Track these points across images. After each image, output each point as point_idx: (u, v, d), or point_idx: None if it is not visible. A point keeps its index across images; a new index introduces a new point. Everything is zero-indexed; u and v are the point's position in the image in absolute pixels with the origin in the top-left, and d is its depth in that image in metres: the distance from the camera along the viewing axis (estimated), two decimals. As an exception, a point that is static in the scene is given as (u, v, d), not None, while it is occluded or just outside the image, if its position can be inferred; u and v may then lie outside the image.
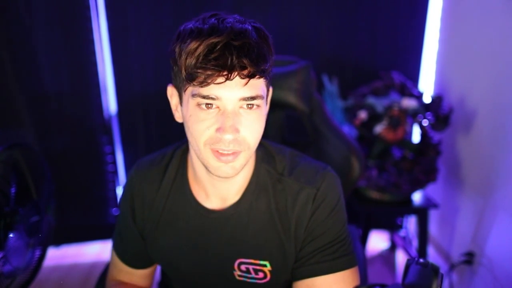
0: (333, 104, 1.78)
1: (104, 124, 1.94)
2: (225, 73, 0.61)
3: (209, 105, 0.65)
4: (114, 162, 2.02)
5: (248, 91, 0.64)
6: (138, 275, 0.90)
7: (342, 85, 1.86)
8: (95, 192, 2.05)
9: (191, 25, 0.65)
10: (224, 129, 0.65)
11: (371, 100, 1.68)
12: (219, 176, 0.71)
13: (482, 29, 1.61)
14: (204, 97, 0.64)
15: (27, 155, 0.95)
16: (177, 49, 0.65)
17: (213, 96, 0.64)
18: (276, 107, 1.20)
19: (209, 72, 0.61)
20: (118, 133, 1.99)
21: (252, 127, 0.67)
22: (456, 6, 1.81)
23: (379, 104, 1.67)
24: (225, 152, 0.67)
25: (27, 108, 1.80)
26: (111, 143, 1.99)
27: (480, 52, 1.63)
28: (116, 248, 0.89)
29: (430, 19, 1.94)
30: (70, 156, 1.95)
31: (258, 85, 0.66)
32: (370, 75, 1.90)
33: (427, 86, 2.04)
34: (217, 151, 0.67)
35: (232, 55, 0.60)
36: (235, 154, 0.68)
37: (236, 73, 0.61)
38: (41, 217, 0.93)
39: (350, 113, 1.74)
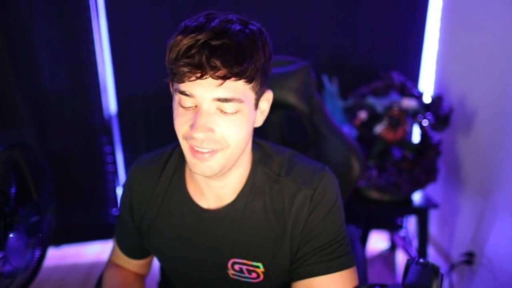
0: (333, 104, 1.78)
1: (104, 124, 1.94)
2: (198, 71, 0.61)
3: (188, 103, 0.66)
4: (114, 162, 2.02)
5: (223, 92, 0.63)
6: (134, 264, 0.95)
7: (342, 85, 1.86)
8: (95, 192, 2.05)
9: (185, 22, 0.66)
10: (195, 127, 0.64)
11: (371, 100, 1.68)
12: (197, 174, 0.71)
13: (482, 29, 1.61)
14: (181, 92, 0.65)
15: (27, 155, 0.95)
16: (167, 44, 0.66)
17: (188, 93, 0.64)
18: (276, 107, 1.20)
19: (183, 69, 0.61)
20: (118, 133, 1.99)
21: (230, 128, 0.66)
22: (456, 6, 1.81)
23: (379, 104, 1.67)
24: (200, 150, 0.67)
25: (27, 108, 1.80)
26: (111, 143, 1.99)
27: (480, 52, 1.63)
28: (116, 237, 0.94)
29: (430, 19, 1.94)
30: (70, 156, 1.95)
31: (237, 87, 0.64)
32: (370, 75, 1.90)
33: (427, 86, 2.04)
34: (193, 147, 0.68)
35: (203, 55, 0.60)
36: (211, 153, 0.67)
37: (208, 74, 0.61)
38: (41, 217, 0.93)
39: (350, 113, 1.74)
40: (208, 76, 0.61)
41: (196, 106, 0.66)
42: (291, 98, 1.10)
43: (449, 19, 1.87)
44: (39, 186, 0.97)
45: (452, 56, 1.87)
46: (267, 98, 0.74)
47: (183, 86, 0.64)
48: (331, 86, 1.80)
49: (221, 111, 0.65)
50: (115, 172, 2.04)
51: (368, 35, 1.93)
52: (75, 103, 1.88)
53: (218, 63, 0.60)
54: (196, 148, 0.67)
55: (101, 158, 1.99)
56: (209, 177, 0.72)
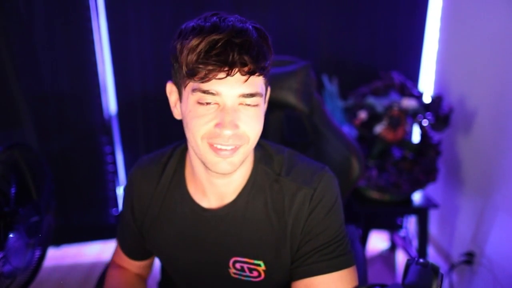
0: (333, 104, 1.78)
1: (104, 124, 1.94)
2: (226, 69, 0.62)
3: (208, 102, 0.66)
4: (114, 162, 2.02)
5: (247, 88, 0.65)
6: (135, 265, 0.95)
7: (342, 85, 1.86)
8: (95, 192, 2.05)
9: (192, 23, 0.66)
10: (224, 125, 0.65)
11: (371, 100, 1.68)
12: (217, 172, 0.71)
13: (482, 29, 1.61)
14: (204, 91, 0.65)
15: (27, 155, 0.95)
16: (178, 46, 0.66)
17: (213, 92, 0.65)
18: (276, 107, 1.20)
19: (210, 68, 0.62)
20: (118, 133, 1.99)
21: (251, 123, 0.69)
22: (456, 6, 1.81)
23: (379, 104, 1.67)
24: (224, 147, 0.68)
25: (27, 108, 1.80)
26: (111, 143, 1.99)
27: (480, 52, 1.63)
28: (118, 237, 0.95)
29: (430, 19, 1.94)
30: (70, 156, 1.95)
31: (258, 82, 0.67)
32: (370, 75, 1.90)
33: (427, 86, 2.04)
34: (215, 146, 0.68)
35: (234, 52, 0.62)
36: (234, 149, 0.69)
37: (236, 69, 0.63)
38: (41, 217, 0.93)
39: (350, 113, 1.74)
40: (236, 72, 0.63)
41: (217, 104, 0.66)
42: (291, 98, 1.10)
43: (449, 19, 1.87)
44: (39, 186, 0.97)
45: (452, 56, 1.87)
46: (268, 94, 0.76)
47: (206, 85, 0.65)
48: (331, 86, 1.80)
49: (244, 104, 0.67)
50: (115, 172, 2.04)
51: (368, 35, 1.93)
52: (75, 103, 1.88)
53: (247, 59, 0.62)
54: (219, 147, 0.68)
55: (101, 158, 1.99)
56: (225, 174, 0.73)
